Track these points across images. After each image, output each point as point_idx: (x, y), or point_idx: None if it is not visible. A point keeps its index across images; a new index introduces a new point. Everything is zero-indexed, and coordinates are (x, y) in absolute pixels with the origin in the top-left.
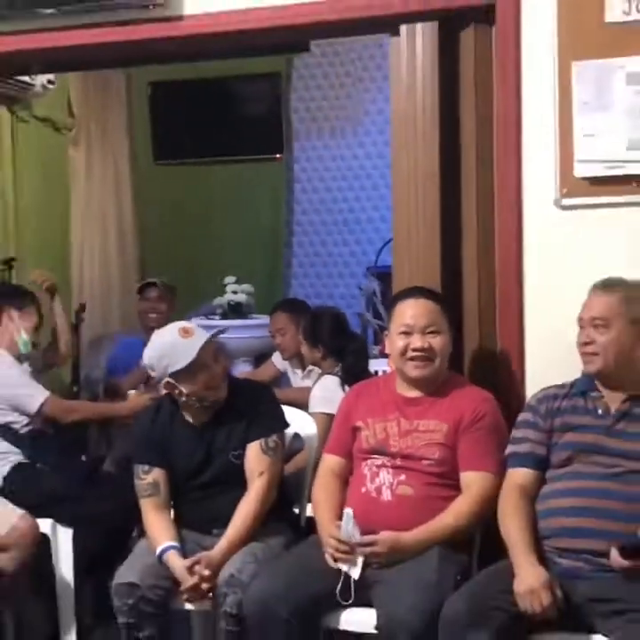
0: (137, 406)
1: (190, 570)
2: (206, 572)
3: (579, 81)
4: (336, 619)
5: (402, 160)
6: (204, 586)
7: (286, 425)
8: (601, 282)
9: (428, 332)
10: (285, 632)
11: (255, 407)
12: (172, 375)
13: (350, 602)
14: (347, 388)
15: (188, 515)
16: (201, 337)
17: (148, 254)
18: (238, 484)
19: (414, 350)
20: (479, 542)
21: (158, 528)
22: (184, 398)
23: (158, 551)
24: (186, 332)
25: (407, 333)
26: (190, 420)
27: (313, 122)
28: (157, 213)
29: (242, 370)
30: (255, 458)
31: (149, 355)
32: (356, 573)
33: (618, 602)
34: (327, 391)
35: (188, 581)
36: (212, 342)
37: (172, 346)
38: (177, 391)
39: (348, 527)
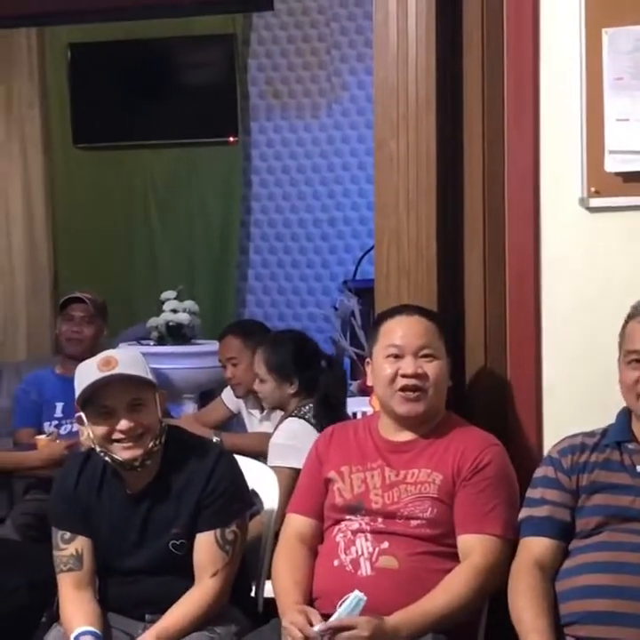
0: (52, 455)
1: None
2: None
3: (611, 52)
4: None
5: (388, 146)
6: None
7: (250, 505)
8: None
9: (422, 356)
10: None
11: (210, 481)
12: (83, 408)
13: None
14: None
15: (115, 596)
16: (120, 371)
17: (64, 262)
18: (180, 572)
19: (405, 376)
20: (484, 627)
21: (75, 609)
22: (93, 445)
23: (72, 637)
24: (106, 364)
25: (397, 357)
26: (122, 485)
27: (275, 97)
28: (77, 210)
29: (184, 411)
30: (207, 553)
31: None
32: None
33: None
34: (293, 438)
35: None
36: (135, 386)
37: (79, 373)
38: (86, 433)
39: (348, 613)
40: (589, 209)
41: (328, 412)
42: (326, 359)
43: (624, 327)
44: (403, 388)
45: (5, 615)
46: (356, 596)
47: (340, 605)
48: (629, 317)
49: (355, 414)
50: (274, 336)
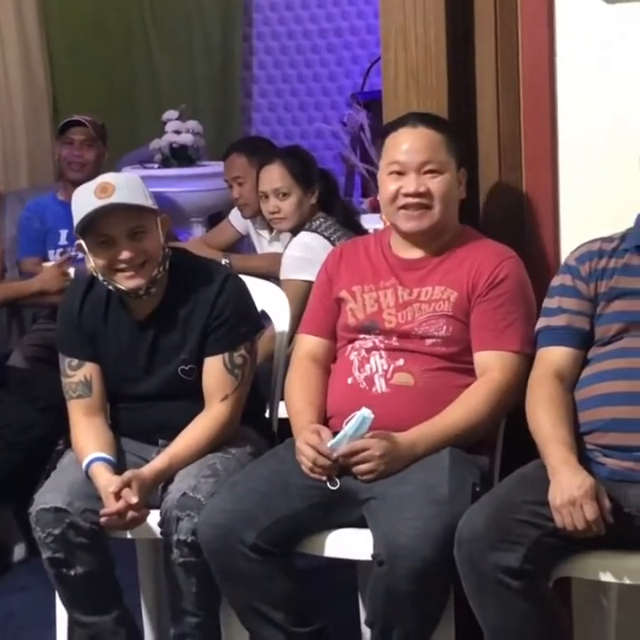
0: (51, 281)
1: (117, 494)
2: (134, 500)
3: None
4: (318, 544)
5: None
6: (130, 515)
7: (259, 327)
8: None
9: (426, 172)
10: (252, 562)
11: (216, 305)
12: (82, 237)
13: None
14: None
15: (127, 421)
16: (117, 199)
17: (62, 85)
18: (191, 397)
19: (407, 195)
20: (502, 440)
21: (87, 436)
22: (95, 274)
23: (84, 465)
24: (103, 191)
25: (399, 173)
26: (128, 312)
27: None
28: (72, 31)
29: (193, 234)
30: (216, 378)
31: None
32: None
33: None
34: (308, 251)
35: (111, 506)
36: (135, 214)
37: (76, 199)
38: (91, 263)
39: (354, 430)
40: (608, 0)
41: (348, 227)
42: (322, 173)
43: None
44: (404, 206)
45: (25, 447)
46: (361, 414)
47: (347, 423)
48: None
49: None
50: (284, 150)
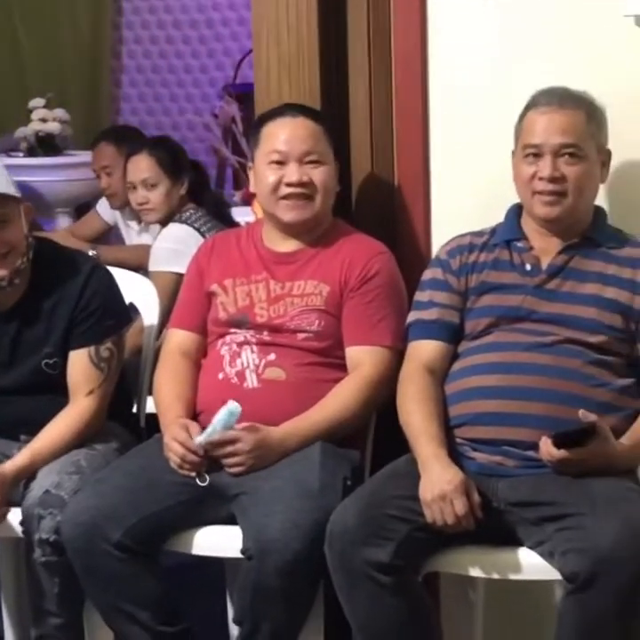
0: None
1: None
2: None
3: None
4: (186, 541)
5: None
6: None
7: (127, 320)
8: (549, 93)
9: (308, 162)
10: (118, 560)
11: (82, 297)
12: None
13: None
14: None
15: None
16: None
17: None
18: (55, 391)
19: (289, 185)
20: (373, 435)
21: None
22: None
23: None
24: None
25: (280, 163)
26: None
27: None
28: None
29: (59, 225)
30: (81, 372)
31: None
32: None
33: (547, 505)
34: (178, 242)
35: None
36: None
37: None
38: None
39: (223, 425)
40: None
41: (218, 219)
42: (192, 164)
43: (521, 119)
44: (286, 197)
45: None
46: (228, 407)
47: (215, 418)
48: (527, 108)
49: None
50: (152, 140)
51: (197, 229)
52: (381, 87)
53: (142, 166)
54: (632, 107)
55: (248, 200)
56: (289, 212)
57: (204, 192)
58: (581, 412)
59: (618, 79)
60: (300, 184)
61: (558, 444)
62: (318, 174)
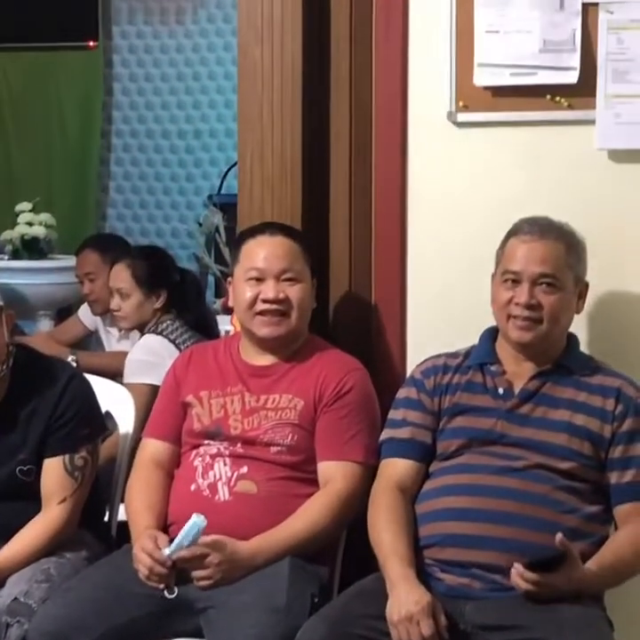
0: None
1: None
2: None
3: None
4: None
5: (252, 53)
6: None
7: (102, 429)
8: (531, 222)
9: (285, 280)
10: None
11: (58, 405)
12: None
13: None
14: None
15: None
16: None
17: None
18: (28, 498)
19: (265, 301)
20: (342, 551)
21: None
22: None
23: None
24: None
25: (258, 280)
26: None
27: None
28: None
29: (40, 327)
30: (55, 480)
31: None
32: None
33: (515, 629)
34: (152, 354)
35: None
36: None
37: None
38: None
39: (189, 538)
40: (458, 124)
41: (200, 331)
42: (181, 273)
43: (503, 244)
44: (262, 312)
45: None
46: (193, 521)
47: (181, 531)
48: (510, 234)
49: (217, 334)
50: (136, 249)
51: (173, 341)
52: (361, 211)
53: (120, 276)
54: (609, 237)
55: (228, 309)
56: (264, 328)
57: (189, 303)
58: (559, 538)
59: (596, 212)
60: (276, 301)
61: (531, 569)
62: (294, 292)
